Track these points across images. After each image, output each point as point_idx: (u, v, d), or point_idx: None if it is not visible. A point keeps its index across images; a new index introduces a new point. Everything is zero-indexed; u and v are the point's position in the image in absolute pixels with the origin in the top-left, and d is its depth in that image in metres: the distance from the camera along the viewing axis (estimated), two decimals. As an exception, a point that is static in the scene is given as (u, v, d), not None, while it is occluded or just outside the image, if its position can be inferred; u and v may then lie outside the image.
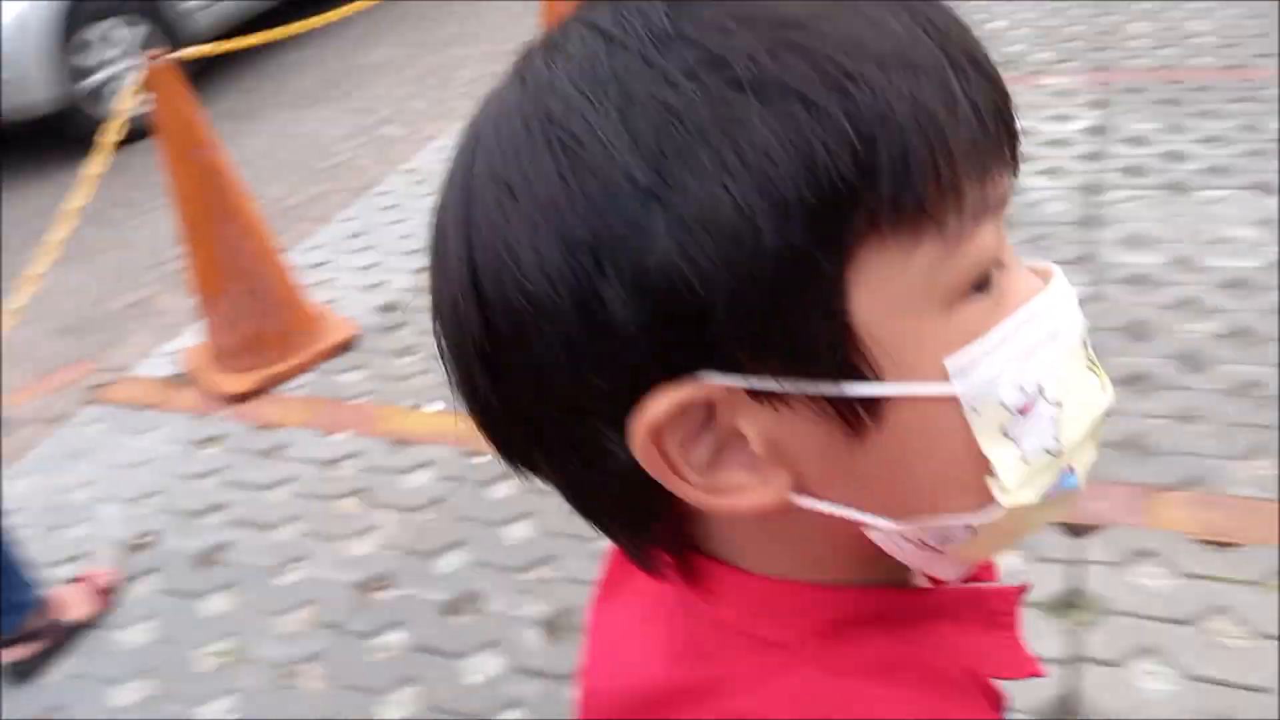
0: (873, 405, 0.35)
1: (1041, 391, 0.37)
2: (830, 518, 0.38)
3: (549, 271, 0.34)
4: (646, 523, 0.41)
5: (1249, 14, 3.90)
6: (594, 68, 0.34)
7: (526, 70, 0.37)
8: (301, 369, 2.83)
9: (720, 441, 0.37)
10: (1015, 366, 0.36)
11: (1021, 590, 0.44)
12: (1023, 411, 0.36)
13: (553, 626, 1.91)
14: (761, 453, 0.37)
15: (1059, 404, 0.37)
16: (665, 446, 0.36)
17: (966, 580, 0.44)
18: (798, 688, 0.39)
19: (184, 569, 2.21)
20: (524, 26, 5.42)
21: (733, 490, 0.37)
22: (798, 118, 0.32)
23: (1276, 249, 2.52)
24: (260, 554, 2.21)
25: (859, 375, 0.35)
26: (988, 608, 0.43)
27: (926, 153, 0.33)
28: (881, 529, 0.38)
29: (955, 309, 0.35)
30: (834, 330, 0.34)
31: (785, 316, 0.34)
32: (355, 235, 3.63)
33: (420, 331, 2.93)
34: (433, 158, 4.14)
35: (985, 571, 0.47)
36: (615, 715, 0.46)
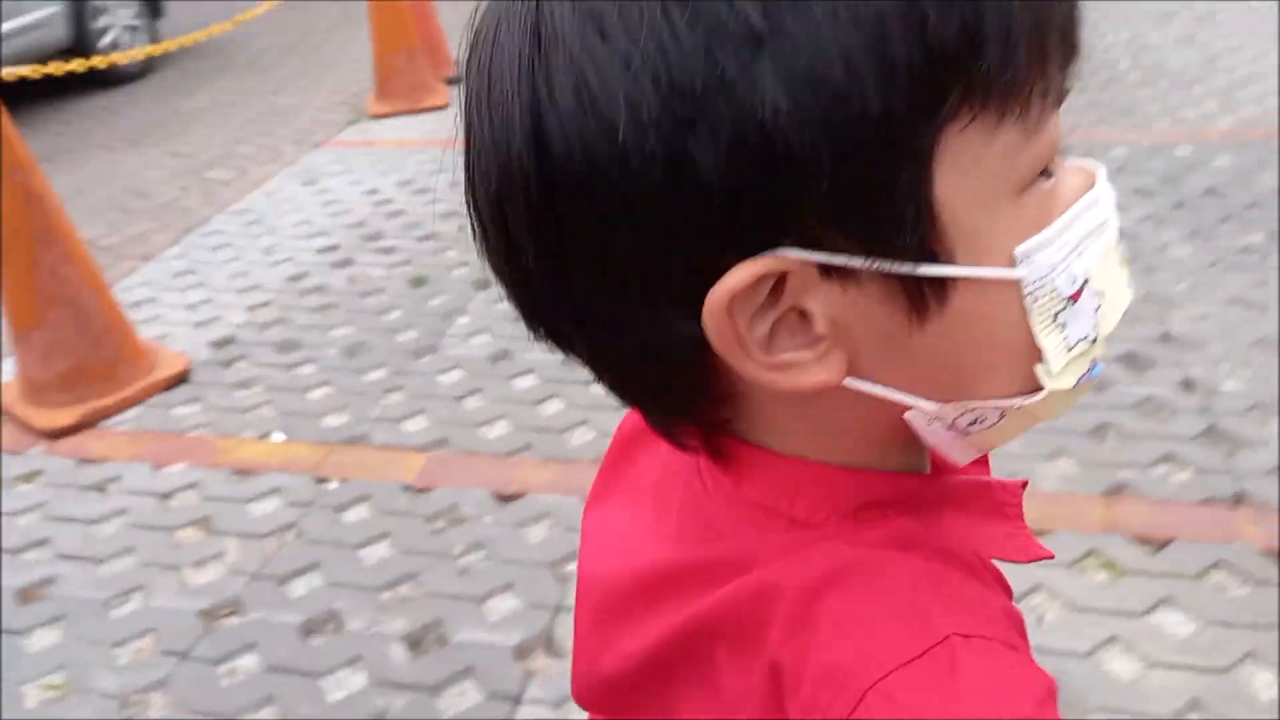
0: (940, 287, 0.36)
1: (1088, 281, 0.38)
2: (872, 401, 0.38)
3: (641, 118, 0.32)
4: (690, 400, 0.40)
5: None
6: None
7: None
8: (130, 403, 2.67)
9: (781, 318, 0.36)
10: (1070, 256, 0.38)
11: (1024, 485, 0.47)
12: (1073, 299, 0.38)
13: (416, 641, 1.88)
14: (824, 331, 0.36)
15: (1101, 293, 0.39)
16: (735, 320, 0.35)
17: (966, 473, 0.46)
18: (825, 556, 0.39)
19: (5, 605, 2.03)
20: (357, 78, 5.43)
21: (791, 367, 0.37)
22: None
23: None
24: (91, 587, 2.06)
25: (932, 256, 0.35)
26: (994, 499, 0.45)
27: (1031, 29, 0.33)
28: (924, 410, 0.39)
29: (1024, 196, 0.36)
30: (917, 207, 0.34)
31: (875, 189, 0.33)
32: (183, 273, 3.48)
33: (260, 365, 2.84)
34: (263, 202, 4.05)
35: (980, 466, 0.48)
36: (624, 597, 0.46)
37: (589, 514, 0.54)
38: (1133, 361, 2.47)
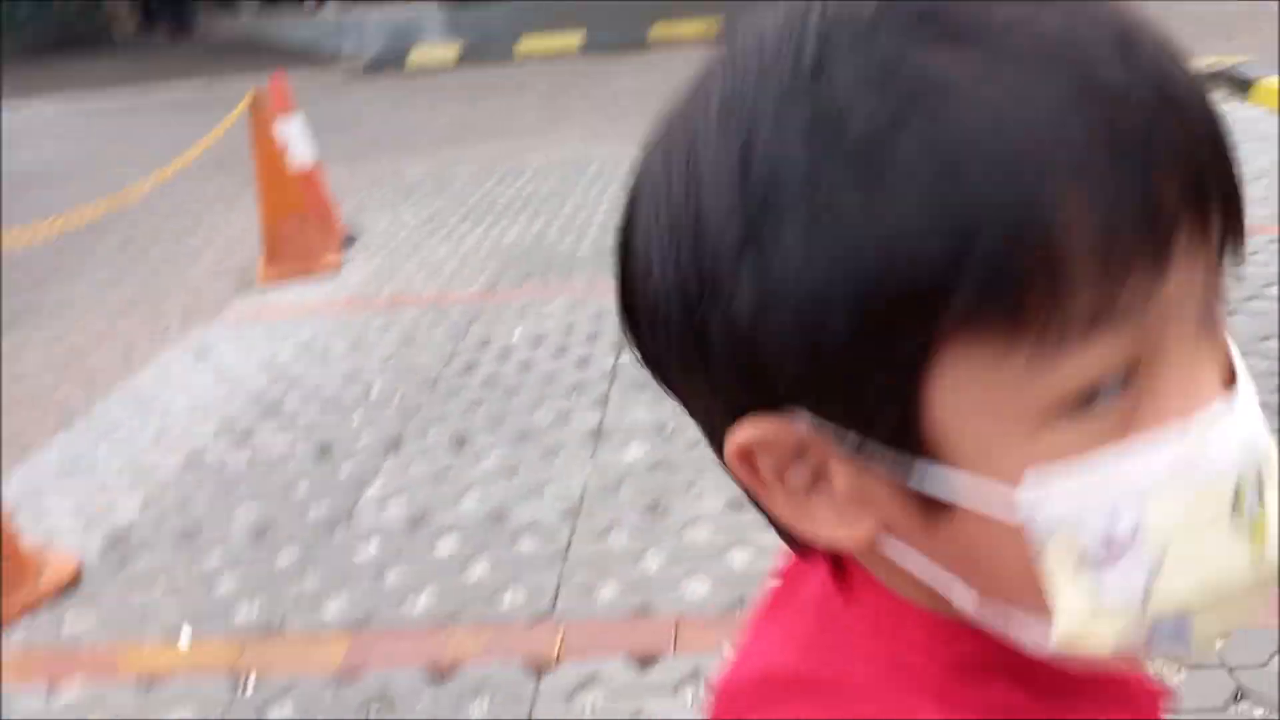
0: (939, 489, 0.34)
1: (1141, 532, 0.32)
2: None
3: (666, 285, 0.35)
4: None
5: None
6: (740, 88, 0.33)
7: (703, 71, 0.37)
8: (13, 618, 2.46)
9: (812, 468, 0.36)
10: (1110, 498, 0.32)
11: (1169, 693, 0.42)
12: (1107, 548, 0.32)
13: None
14: (844, 493, 0.36)
15: (1163, 551, 0.32)
16: (758, 464, 0.36)
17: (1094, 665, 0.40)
18: (908, 710, 0.37)
19: None
20: (243, 247, 5.38)
21: (817, 518, 0.37)
22: (894, 201, 0.30)
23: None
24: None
25: (930, 460, 0.33)
26: (1133, 701, 0.41)
27: (1030, 258, 0.29)
28: (964, 597, 0.36)
29: (1046, 424, 0.32)
30: (903, 412, 0.33)
31: (855, 392, 0.33)
32: (68, 466, 3.29)
33: (159, 558, 2.68)
34: (151, 382, 3.90)
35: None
36: (744, 693, 0.44)
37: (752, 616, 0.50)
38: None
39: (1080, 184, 0.29)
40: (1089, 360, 0.31)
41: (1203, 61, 6.44)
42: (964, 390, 0.32)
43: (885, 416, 0.33)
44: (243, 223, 5.88)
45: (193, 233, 6.12)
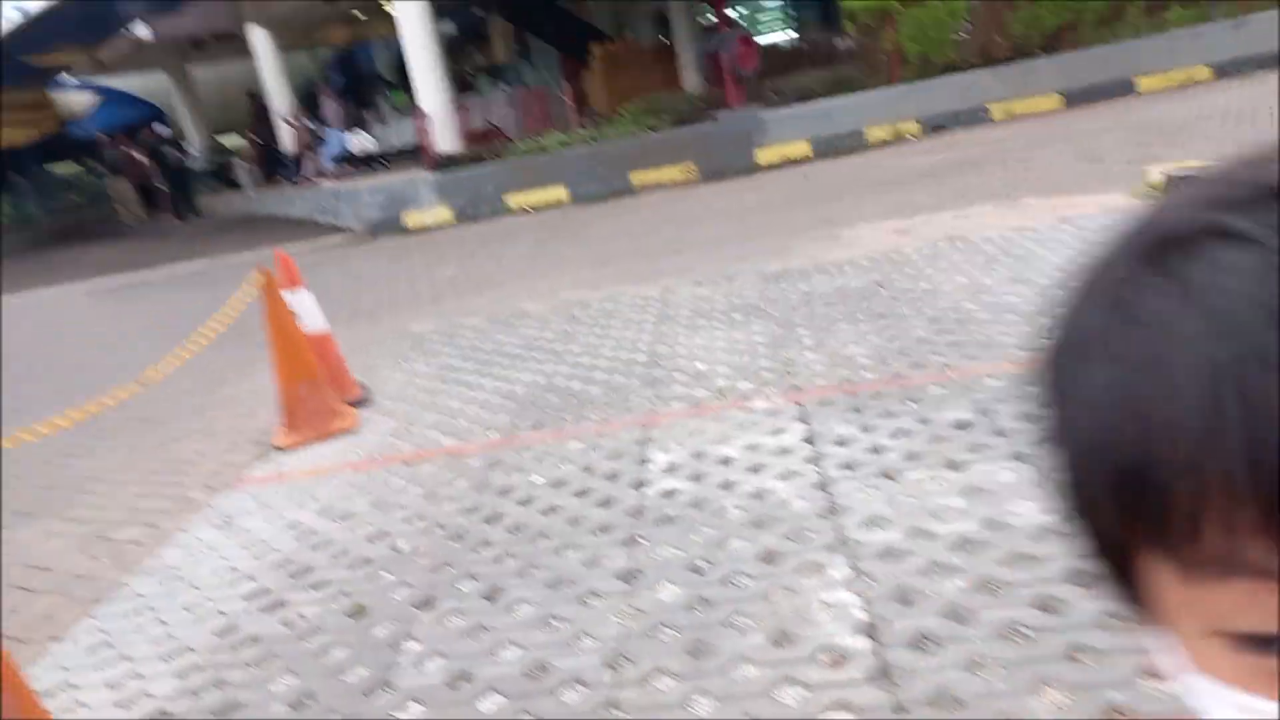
0: None
1: None
2: None
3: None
4: None
5: (890, 338, 4.89)
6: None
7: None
8: (54, 812, 2.41)
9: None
10: None
11: None
12: None
13: None
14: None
15: None
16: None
17: None
18: None
19: None
20: (259, 414, 5.48)
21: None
22: (1085, 424, 0.34)
23: (982, 512, 3.05)
24: None
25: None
26: None
27: (1179, 501, 0.31)
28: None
29: (1219, 642, 0.34)
30: (1126, 582, 0.36)
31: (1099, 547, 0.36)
32: (99, 647, 3.27)
33: (199, 738, 2.64)
34: (179, 555, 3.91)
35: None
36: None
37: None
38: (1083, 578, 2.59)
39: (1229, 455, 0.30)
40: (1233, 600, 0.32)
41: (1163, 167, 6.74)
42: (1161, 591, 0.35)
43: (1116, 578, 0.37)
44: (258, 390, 6.00)
45: (210, 403, 6.22)
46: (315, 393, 5.05)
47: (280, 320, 4.98)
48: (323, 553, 3.67)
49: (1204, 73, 12.20)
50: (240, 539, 3.96)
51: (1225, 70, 12.05)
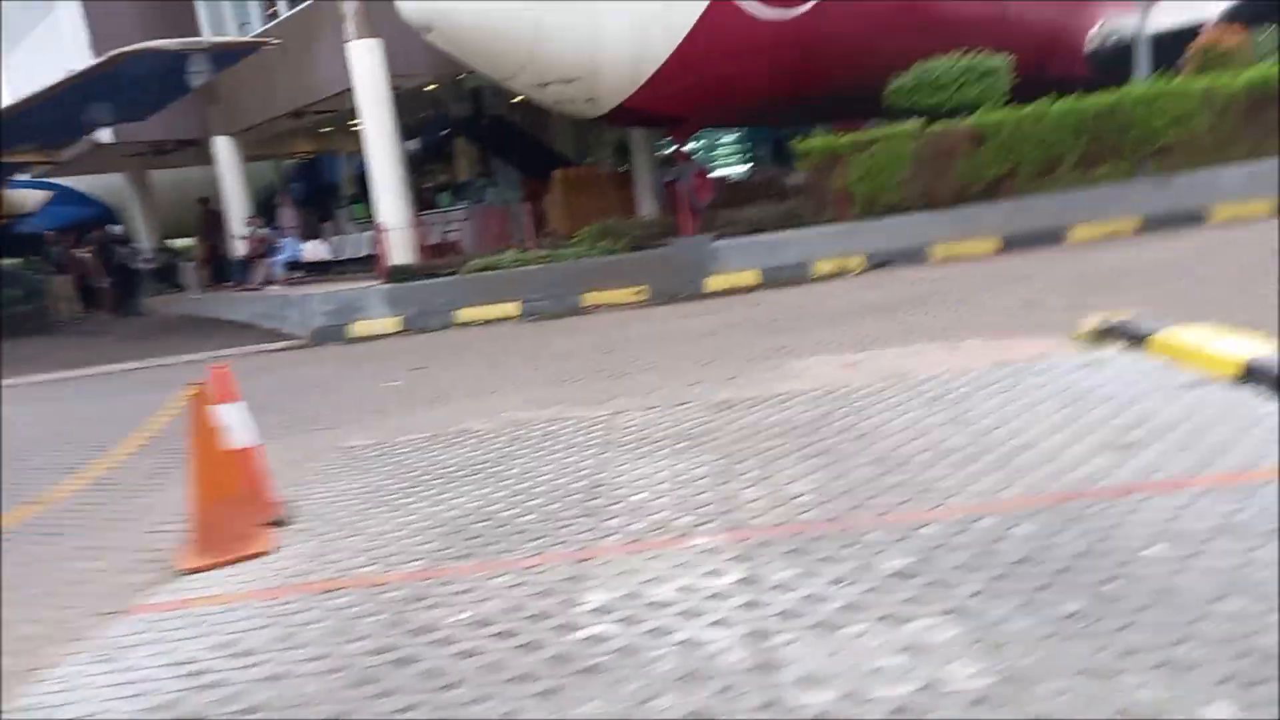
0: None
1: None
2: None
3: None
4: None
5: (834, 476, 4.77)
6: None
7: None
8: None
9: None
10: None
11: None
12: None
13: None
14: None
15: None
16: None
17: None
18: None
19: None
20: (165, 533, 5.14)
21: None
22: None
23: (922, 673, 2.87)
24: None
25: None
26: None
27: None
28: None
29: None
30: None
31: None
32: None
33: None
34: (48, 695, 3.55)
35: None
36: None
37: None
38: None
39: None
40: None
41: (1098, 316, 6.89)
42: None
43: None
44: (172, 504, 5.67)
45: (118, 515, 5.86)
46: (231, 513, 4.76)
47: (203, 438, 4.74)
48: (209, 695, 3.34)
49: (1131, 225, 12.75)
50: (121, 676, 3.60)
51: (1150, 224, 12.60)
